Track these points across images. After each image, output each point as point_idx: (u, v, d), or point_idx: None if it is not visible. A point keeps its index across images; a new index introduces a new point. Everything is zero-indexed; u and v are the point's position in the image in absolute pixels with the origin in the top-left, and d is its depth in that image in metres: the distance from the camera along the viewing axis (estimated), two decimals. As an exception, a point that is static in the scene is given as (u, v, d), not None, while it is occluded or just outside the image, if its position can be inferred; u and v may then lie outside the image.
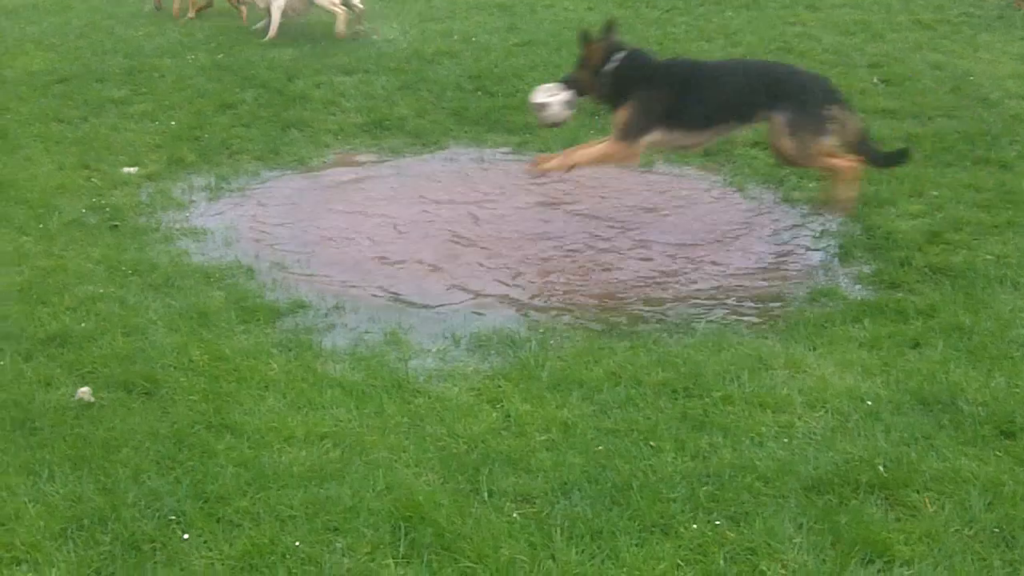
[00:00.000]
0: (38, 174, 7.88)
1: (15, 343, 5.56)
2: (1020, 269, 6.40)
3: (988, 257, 6.60)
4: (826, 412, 5.04)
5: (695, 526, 4.23)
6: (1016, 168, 7.85)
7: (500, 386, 5.31)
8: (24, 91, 9.42)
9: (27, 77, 9.75)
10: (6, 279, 6.21)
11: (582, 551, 4.10)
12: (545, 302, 6.42)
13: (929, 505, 4.36)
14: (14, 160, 8.10)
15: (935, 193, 7.52)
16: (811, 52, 10.47)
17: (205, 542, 4.16)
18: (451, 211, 7.65)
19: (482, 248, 7.07)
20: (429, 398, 5.18)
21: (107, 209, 7.40)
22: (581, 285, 6.64)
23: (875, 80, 9.72)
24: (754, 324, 6.06)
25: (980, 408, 4.99)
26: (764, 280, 6.69)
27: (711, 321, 6.10)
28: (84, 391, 5.09)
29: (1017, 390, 5.15)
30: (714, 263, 6.93)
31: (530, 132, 9.03)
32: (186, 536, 4.18)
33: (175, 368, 5.36)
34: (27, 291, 6.12)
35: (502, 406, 5.11)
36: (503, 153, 8.77)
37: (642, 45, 10.57)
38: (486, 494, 4.42)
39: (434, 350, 5.74)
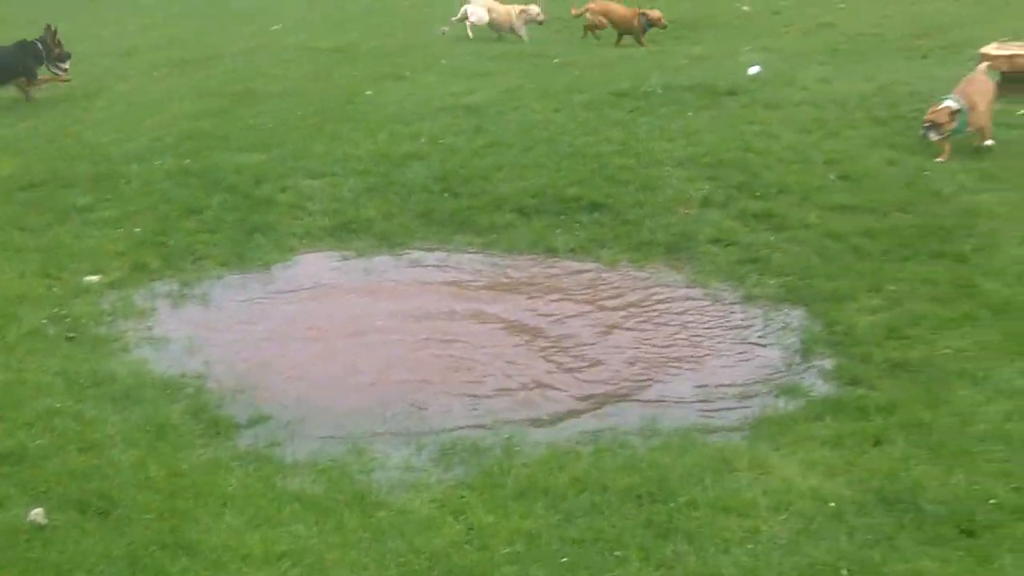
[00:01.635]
0: (-3, 283, 7.85)
1: (-32, 461, 5.48)
2: (978, 363, 6.45)
3: (946, 351, 6.65)
4: (790, 515, 5.05)
5: (659, 639, 4.20)
6: (972, 261, 7.93)
7: (463, 496, 5.29)
8: (-11, 198, 9.45)
9: (-7, 184, 9.79)
10: (-37, 393, 6.15)
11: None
12: (511, 408, 6.39)
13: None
14: (-27, 269, 8.07)
15: (893, 288, 7.59)
16: (770, 150, 10.60)
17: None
18: (416, 321, 7.64)
19: (446, 357, 7.06)
20: (391, 511, 5.16)
21: (67, 319, 7.36)
22: (546, 388, 6.64)
23: (832, 176, 9.84)
24: (718, 424, 6.09)
25: (941, 506, 5.02)
26: (727, 378, 6.71)
27: (676, 421, 6.11)
28: (37, 512, 5.01)
29: (977, 487, 5.18)
30: (677, 362, 6.96)
31: (496, 232, 9.09)
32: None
33: (132, 485, 5.30)
34: (-17, 406, 6.05)
35: (465, 517, 5.10)
36: (470, 254, 8.79)
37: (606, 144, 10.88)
38: (448, 612, 4.39)
39: (397, 460, 5.73)
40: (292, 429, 6.06)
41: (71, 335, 7.14)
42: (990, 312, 7.14)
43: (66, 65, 13.82)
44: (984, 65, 11.38)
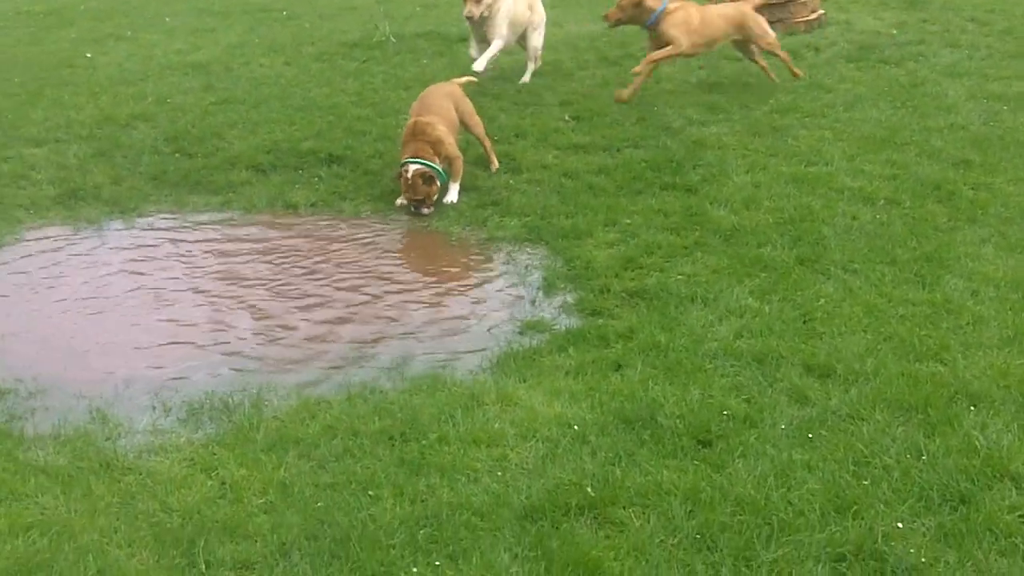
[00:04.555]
0: None
1: None
2: (709, 286, 6.79)
3: (679, 277, 6.97)
4: (537, 441, 5.21)
5: (415, 569, 4.30)
6: (700, 191, 8.31)
7: (215, 453, 5.23)
8: None
9: None
10: None
11: (303, 610, 4.10)
12: (260, 363, 6.33)
13: (635, 519, 4.58)
14: None
15: (628, 221, 7.88)
16: (506, 94, 10.82)
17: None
18: (144, 281, 7.46)
19: (180, 315, 6.95)
20: (140, 474, 5.05)
21: None
22: (294, 343, 6.59)
23: (567, 117, 10.12)
24: (467, 362, 6.19)
25: (678, 421, 5.27)
26: (475, 318, 6.84)
27: (426, 363, 6.18)
28: None
29: (711, 400, 5.48)
30: (425, 305, 7.04)
31: (233, 191, 8.91)
32: None
33: None
34: None
35: (217, 474, 5.04)
36: (206, 215, 8.58)
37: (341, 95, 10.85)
38: (203, 566, 4.36)
39: (144, 424, 5.59)
40: (32, 402, 5.82)
41: None
42: (719, 238, 7.52)
43: None
44: (464, 79, 9.84)
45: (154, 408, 5.77)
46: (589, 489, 4.74)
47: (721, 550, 4.37)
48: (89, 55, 13.03)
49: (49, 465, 5.14)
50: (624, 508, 4.64)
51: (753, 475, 4.84)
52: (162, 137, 9.92)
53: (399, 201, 8.57)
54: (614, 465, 4.95)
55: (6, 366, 6.26)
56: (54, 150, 9.70)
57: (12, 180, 9.09)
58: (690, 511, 4.61)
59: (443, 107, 8.93)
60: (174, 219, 8.49)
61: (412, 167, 8.36)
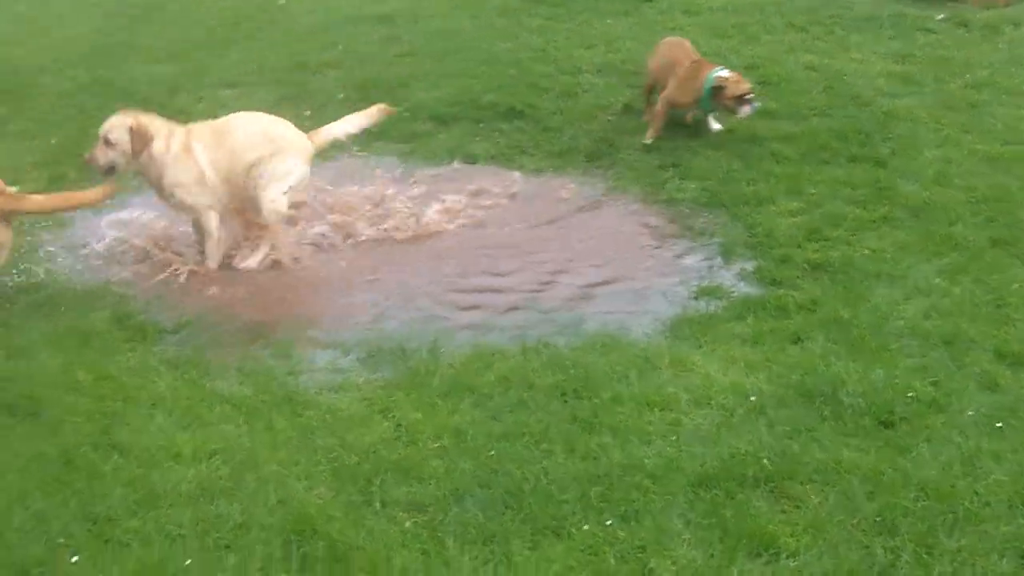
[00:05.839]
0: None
1: None
2: (896, 263, 6.59)
3: (865, 252, 6.78)
4: (711, 408, 5.16)
5: (587, 527, 4.31)
6: (889, 164, 8.06)
7: (392, 396, 5.33)
8: None
9: None
10: None
11: (475, 556, 4.16)
12: (436, 309, 6.42)
13: (813, 496, 4.49)
14: None
15: (812, 191, 7.69)
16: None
17: (95, 564, 4.14)
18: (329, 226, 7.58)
19: (365, 260, 7.07)
20: (319, 411, 5.19)
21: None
22: (470, 292, 6.66)
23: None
24: (642, 324, 6.14)
25: (860, 399, 5.15)
26: (650, 280, 6.78)
27: (600, 322, 6.16)
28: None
29: (896, 381, 5.32)
30: (602, 264, 7.02)
31: (415, 140, 9.01)
32: (75, 559, 4.18)
33: (60, 389, 5.31)
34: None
35: (394, 416, 5.15)
36: (389, 162, 8.70)
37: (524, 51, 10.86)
38: (378, 504, 4.47)
39: (324, 362, 5.75)
40: (217, 334, 6.04)
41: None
42: (908, 213, 7.30)
43: None
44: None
45: (334, 348, 5.91)
46: (766, 461, 4.67)
47: (902, 535, 4.27)
48: (282, 2, 13.32)
49: (233, 395, 5.34)
50: (802, 484, 4.57)
51: (938, 461, 4.70)
52: (350, 85, 10.09)
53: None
54: (792, 439, 4.86)
55: (196, 298, 6.50)
56: (245, 92, 9.96)
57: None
58: (870, 492, 4.50)
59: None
60: (359, 163, 8.61)
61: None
